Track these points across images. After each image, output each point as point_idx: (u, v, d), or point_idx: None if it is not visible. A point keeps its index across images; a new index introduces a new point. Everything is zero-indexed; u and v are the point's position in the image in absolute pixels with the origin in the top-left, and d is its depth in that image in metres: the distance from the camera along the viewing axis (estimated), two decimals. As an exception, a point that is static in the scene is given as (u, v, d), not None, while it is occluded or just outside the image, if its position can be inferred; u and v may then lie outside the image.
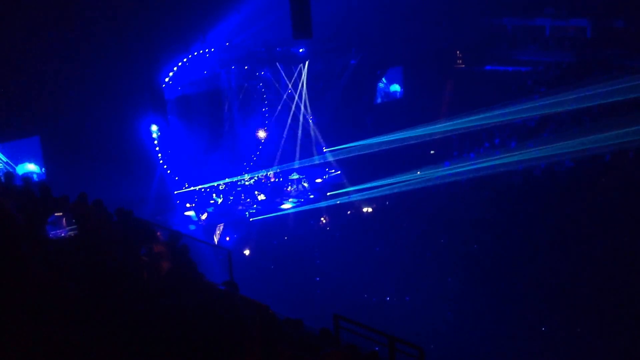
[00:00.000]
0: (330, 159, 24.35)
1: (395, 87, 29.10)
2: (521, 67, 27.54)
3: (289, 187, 23.01)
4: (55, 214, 7.78)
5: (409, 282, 17.59)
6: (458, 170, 22.54)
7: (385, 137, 23.87)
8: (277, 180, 23.26)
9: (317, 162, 24.29)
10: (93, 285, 5.71)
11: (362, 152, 23.67)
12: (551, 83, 24.85)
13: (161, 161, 19.92)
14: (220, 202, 21.82)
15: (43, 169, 17.95)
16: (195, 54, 20.61)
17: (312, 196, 22.95)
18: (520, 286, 16.87)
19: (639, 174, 20.22)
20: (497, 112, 23.64)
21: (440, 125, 24.50)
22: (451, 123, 24.17)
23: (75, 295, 5.40)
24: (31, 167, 17.71)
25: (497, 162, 22.35)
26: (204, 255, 13.70)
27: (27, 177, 13.29)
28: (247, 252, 19.77)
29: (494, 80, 26.93)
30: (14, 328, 4.46)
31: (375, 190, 22.04)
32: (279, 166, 23.40)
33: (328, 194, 22.82)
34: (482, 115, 23.64)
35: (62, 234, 7.60)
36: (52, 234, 7.51)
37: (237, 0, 20.61)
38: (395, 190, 21.67)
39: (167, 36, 19.24)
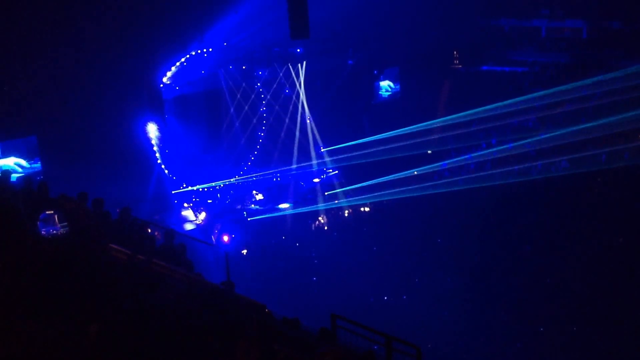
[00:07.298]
0: (328, 158, 24.38)
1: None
2: (517, 68, 27.69)
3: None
4: (47, 212, 7.78)
5: (407, 282, 17.64)
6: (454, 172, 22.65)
7: (382, 136, 23.95)
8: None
9: (314, 161, 24.30)
10: (87, 284, 5.72)
11: (360, 152, 23.72)
12: (547, 83, 24.94)
13: (159, 161, 19.92)
14: (218, 202, 21.83)
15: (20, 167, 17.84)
16: (193, 53, 20.62)
17: (309, 196, 22.99)
18: (517, 286, 16.92)
19: (635, 174, 20.33)
20: (493, 113, 23.75)
21: (436, 125, 24.59)
22: (447, 122, 24.27)
23: (69, 294, 5.41)
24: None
25: (494, 162, 22.47)
26: (201, 254, 13.73)
27: (28, 175, 13.30)
28: (244, 251, 19.79)
29: (491, 81, 27.03)
30: (7, 325, 4.48)
31: (372, 195, 22.11)
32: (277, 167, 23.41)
33: (326, 193, 22.88)
34: (478, 116, 23.74)
35: (54, 232, 7.60)
36: (44, 230, 7.52)
37: (235, 1, 20.63)
38: (392, 197, 21.79)
39: (165, 36, 19.23)
